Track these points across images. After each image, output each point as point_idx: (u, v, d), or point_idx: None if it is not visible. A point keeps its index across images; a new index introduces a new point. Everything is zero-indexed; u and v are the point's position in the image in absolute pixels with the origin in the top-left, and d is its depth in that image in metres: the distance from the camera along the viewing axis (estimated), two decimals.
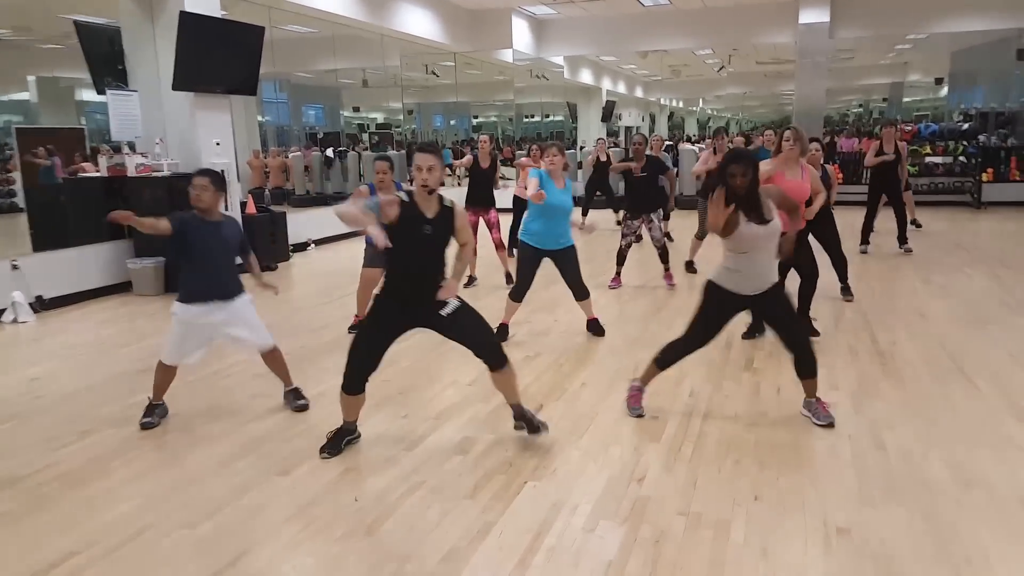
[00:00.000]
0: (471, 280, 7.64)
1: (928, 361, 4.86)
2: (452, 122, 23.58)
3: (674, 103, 36.48)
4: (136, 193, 7.81)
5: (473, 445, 3.79)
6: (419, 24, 12.91)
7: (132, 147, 8.15)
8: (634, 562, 2.71)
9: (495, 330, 5.23)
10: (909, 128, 14.43)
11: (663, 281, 7.37)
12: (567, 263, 5.51)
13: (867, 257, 8.60)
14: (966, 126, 13.80)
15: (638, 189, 7.06)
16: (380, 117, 23.17)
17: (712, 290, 3.84)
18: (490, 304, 5.99)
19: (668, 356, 3.99)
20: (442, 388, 4.65)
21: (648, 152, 7.38)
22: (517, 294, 5.53)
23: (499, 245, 7.65)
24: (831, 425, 3.82)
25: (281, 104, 17.96)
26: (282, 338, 5.21)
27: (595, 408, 4.22)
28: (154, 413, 4.16)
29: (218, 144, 8.41)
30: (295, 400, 4.37)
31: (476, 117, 24.49)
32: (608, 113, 23.58)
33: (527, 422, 3.76)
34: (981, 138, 13.53)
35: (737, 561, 2.69)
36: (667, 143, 16.78)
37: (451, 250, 3.63)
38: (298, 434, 4.00)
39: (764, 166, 4.57)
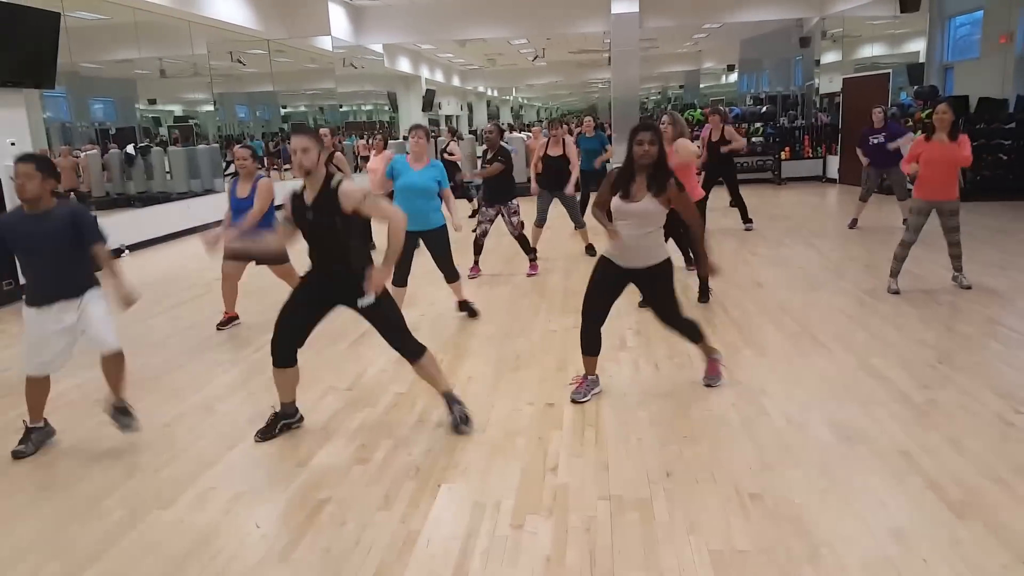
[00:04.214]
0: None
1: (778, 327, 5.25)
2: (258, 113, 22.38)
3: (489, 92, 36.98)
4: None
5: (371, 453, 3.60)
6: (229, 10, 12.12)
7: None
8: (572, 553, 2.69)
9: None
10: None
11: (525, 269, 7.39)
12: (436, 244, 5.56)
13: None
14: (764, 109, 15.07)
15: (494, 177, 7.02)
16: (178, 109, 21.59)
17: (600, 260, 4.02)
18: None
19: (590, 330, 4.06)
20: (320, 396, 4.38)
21: (503, 143, 7.36)
22: (399, 279, 5.51)
23: None
24: (709, 385, 4.17)
25: (60, 98, 15.98)
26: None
27: (489, 400, 4.16)
28: (29, 439, 3.74)
29: (13, 144, 7.41)
30: (120, 416, 3.80)
31: (285, 107, 23.41)
32: (429, 102, 23.45)
33: (455, 417, 3.76)
34: (782, 120, 14.85)
35: (669, 539, 2.75)
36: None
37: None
38: (166, 463, 3.61)
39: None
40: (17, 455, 3.68)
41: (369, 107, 22.80)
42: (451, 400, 3.81)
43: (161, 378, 4.81)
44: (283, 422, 3.84)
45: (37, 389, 3.75)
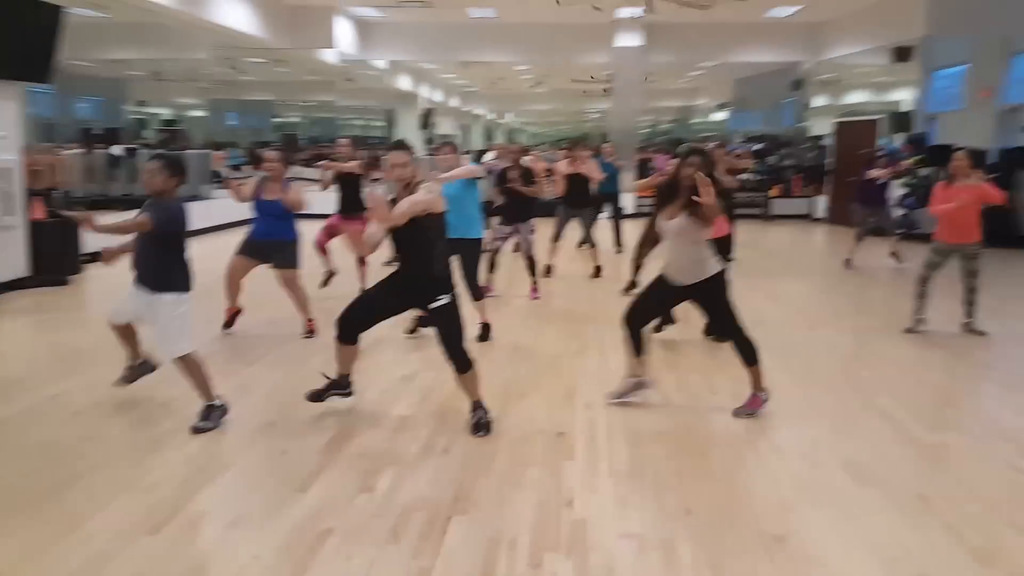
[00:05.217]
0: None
1: (782, 364, 5.10)
2: (248, 121, 22.27)
3: (486, 115, 37.05)
4: None
5: (376, 480, 3.44)
6: (237, 16, 11.88)
7: None
8: None
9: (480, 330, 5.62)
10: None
11: (528, 292, 7.28)
12: (465, 255, 5.47)
13: None
14: (759, 147, 15.27)
15: (513, 198, 7.00)
16: (167, 113, 21.36)
17: (657, 277, 4.24)
18: None
19: (632, 333, 4.24)
20: (319, 416, 4.19)
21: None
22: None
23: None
24: (738, 416, 4.15)
25: (44, 95, 15.33)
26: (101, 368, 4.60)
27: (496, 428, 4.01)
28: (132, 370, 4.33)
29: (3, 137, 7.22)
30: (203, 415, 3.97)
31: (275, 117, 23.31)
32: (426, 121, 23.40)
33: (476, 420, 3.93)
34: (771, 159, 15.04)
35: None
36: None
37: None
38: (153, 483, 3.36)
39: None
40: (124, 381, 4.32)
41: (362, 122, 22.72)
42: (478, 407, 3.97)
43: (149, 390, 4.57)
44: (335, 391, 4.03)
45: (119, 331, 4.21)
